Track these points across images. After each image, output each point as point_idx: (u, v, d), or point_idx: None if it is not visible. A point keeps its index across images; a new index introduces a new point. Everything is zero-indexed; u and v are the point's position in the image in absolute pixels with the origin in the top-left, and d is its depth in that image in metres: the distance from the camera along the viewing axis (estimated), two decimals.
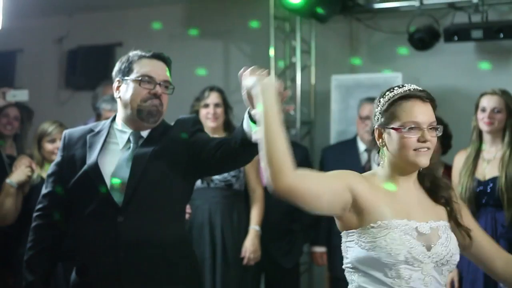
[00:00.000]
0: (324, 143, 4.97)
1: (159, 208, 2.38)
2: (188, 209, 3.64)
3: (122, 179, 2.37)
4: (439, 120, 3.83)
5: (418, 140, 1.84)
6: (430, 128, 1.86)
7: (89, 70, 6.15)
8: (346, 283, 4.41)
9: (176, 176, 2.42)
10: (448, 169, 3.84)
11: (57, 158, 2.56)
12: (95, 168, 2.39)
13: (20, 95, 4.17)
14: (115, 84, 2.48)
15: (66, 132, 2.59)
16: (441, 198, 1.94)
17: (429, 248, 1.82)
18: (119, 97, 2.47)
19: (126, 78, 2.44)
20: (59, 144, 3.71)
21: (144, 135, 2.46)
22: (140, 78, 2.41)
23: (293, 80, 5.33)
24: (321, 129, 5.26)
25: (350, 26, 5.36)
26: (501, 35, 4.48)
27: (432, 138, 1.86)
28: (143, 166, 2.38)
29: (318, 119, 5.37)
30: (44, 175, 3.66)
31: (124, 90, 2.44)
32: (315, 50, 5.35)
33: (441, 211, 1.93)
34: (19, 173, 3.64)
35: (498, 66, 4.87)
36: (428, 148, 1.85)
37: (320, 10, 4.83)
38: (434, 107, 1.90)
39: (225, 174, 3.78)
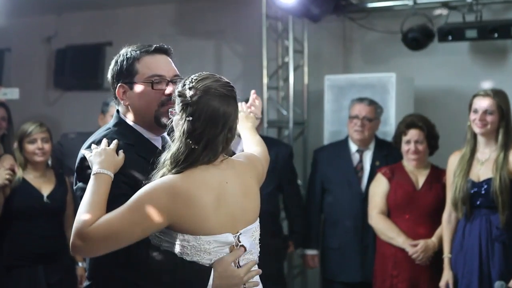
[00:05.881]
0: (317, 144, 4.95)
1: None
2: None
3: None
4: (425, 120, 3.95)
5: None
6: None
7: (78, 70, 6.13)
8: (338, 285, 4.48)
9: None
10: (435, 170, 3.87)
11: None
12: None
13: (11, 93, 4.15)
14: (120, 90, 2.13)
15: None
16: None
17: None
18: (128, 104, 2.13)
19: (132, 81, 2.11)
20: (40, 144, 3.69)
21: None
22: (152, 80, 2.09)
23: (286, 80, 5.34)
24: (314, 129, 5.27)
25: (343, 25, 5.36)
26: (496, 35, 4.49)
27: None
28: None
29: (311, 120, 5.38)
30: (27, 177, 3.68)
31: (134, 96, 2.11)
32: (308, 49, 5.34)
33: None
34: None
35: (493, 66, 4.88)
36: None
37: (313, 9, 4.79)
38: None
39: None
